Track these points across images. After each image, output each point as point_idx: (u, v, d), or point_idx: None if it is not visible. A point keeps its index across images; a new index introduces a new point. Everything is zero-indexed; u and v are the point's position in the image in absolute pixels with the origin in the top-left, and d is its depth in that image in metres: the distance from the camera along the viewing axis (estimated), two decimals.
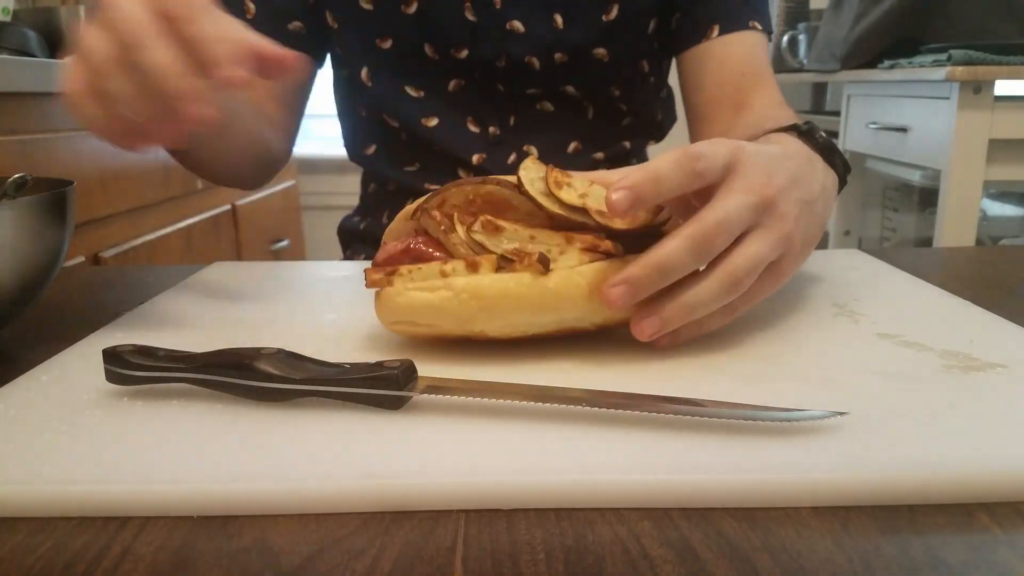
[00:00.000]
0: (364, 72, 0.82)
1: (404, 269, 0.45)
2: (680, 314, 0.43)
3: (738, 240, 0.44)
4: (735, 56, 0.79)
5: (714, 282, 0.43)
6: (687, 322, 0.44)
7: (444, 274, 0.44)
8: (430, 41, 0.78)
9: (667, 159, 0.42)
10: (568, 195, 0.45)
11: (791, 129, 0.55)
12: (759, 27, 0.80)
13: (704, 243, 0.42)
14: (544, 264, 0.43)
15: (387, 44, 0.79)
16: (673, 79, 0.92)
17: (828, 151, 0.55)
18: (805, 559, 0.28)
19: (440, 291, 0.43)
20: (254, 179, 0.85)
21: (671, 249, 0.42)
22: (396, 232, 0.49)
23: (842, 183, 0.57)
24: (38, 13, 1.74)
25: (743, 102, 0.78)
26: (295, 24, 0.81)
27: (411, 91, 0.81)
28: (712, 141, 0.45)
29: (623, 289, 0.42)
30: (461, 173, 0.83)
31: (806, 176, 0.50)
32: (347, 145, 0.93)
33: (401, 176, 0.85)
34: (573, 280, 0.43)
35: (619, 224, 0.45)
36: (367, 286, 0.46)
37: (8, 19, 1.66)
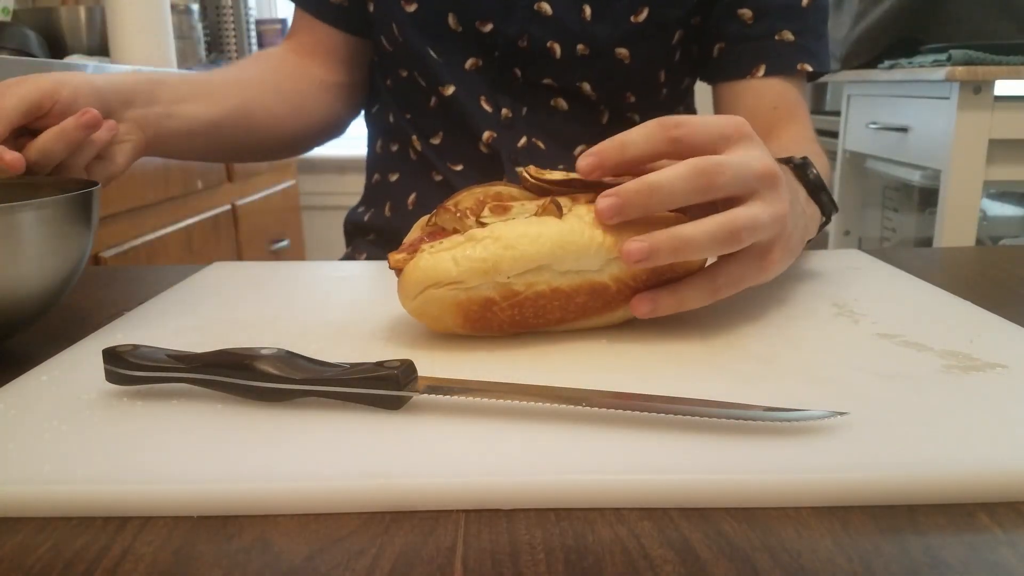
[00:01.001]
0: (395, 27, 0.82)
1: (426, 244, 0.46)
2: (669, 244, 0.43)
3: (739, 202, 0.44)
4: (771, 93, 0.79)
5: (710, 224, 0.43)
6: (675, 257, 0.43)
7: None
8: (455, 11, 0.79)
9: (640, 127, 0.44)
10: (555, 175, 0.48)
11: (785, 162, 0.57)
12: (808, 68, 0.78)
13: (703, 174, 0.42)
14: (557, 207, 0.45)
15: (412, 7, 0.80)
16: (699, 100, 0.91)
17: (816, 188, 0.57)
18: (805, 559, 0.28)
19: (462, 244, 0.44)
20: (295, 149, 0.94)
21: (668, 171, 0.43)
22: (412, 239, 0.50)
23: (826, 221, 0.59)
24: (38, 13, 1.74)
25: (771, 133, 0.77)
26: None
27: (433, 53, 0.81)
28: (706, 117, 0.46)
29: (612, 200, 0.43)
30: (478, 149, 0.83)
31: (793, 190, 0.51)
32: (384, 113, 0.92)
33: (427, 150, 0.85)
34: (585, 220, 0.45)
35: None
36: (391, 266, 0.47)
37: (8, 19, 1.66)
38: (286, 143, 0.89)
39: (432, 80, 0.82)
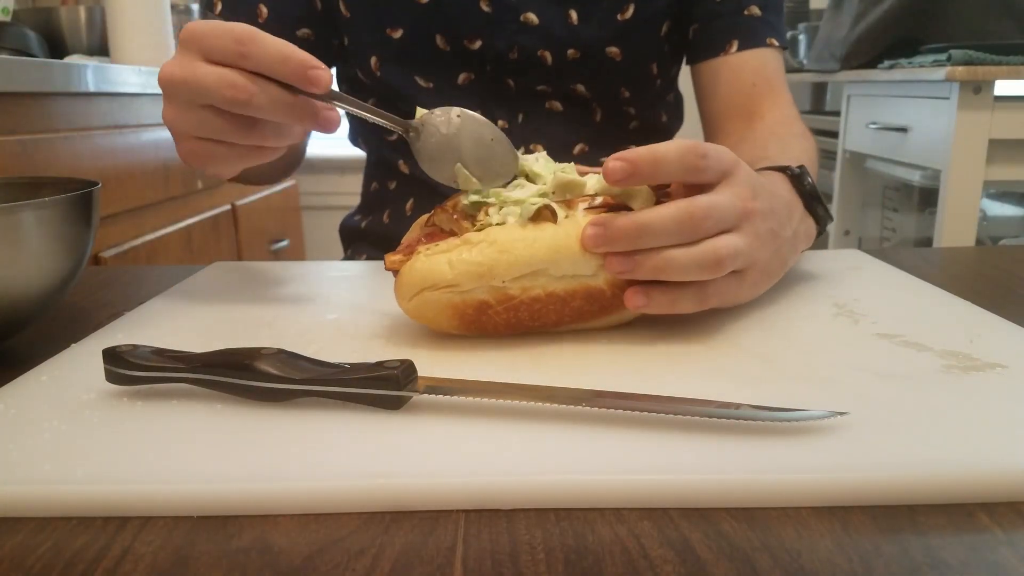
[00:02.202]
0: (374, 61, 0.82)
1: (422, 246, 0.46)
2: (651, 263, 0.44)
3: (720, 235, 0.46)
4: (748, 68, 0.80)
5: (693, 250, 0.45)
6: (656, 275, 0.45)
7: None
8: (442, 32, 0.78)
9: (673, 146, 0.44)
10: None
11: (783, 170, 0.58)
12: (776, 44, 0.81)
13: (691, 219, 0.44)
14: (551, 212, 0.45)
15: (398, 34, 0.79)
16: (682, 83, 0.92)
17: (811, 199, 0.58)
18: (805, 559, 0.28)
19: (458, 247, 0.45)
20: (282, 176, 0.93)
21: (658, 213, 0.44)
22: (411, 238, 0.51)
23: (821, 230, 0.60)
24: (38, 13, 1.74)
25: (755, 112, 0.79)
26: (304, 31, 0.82)
27: (420, 81, 0.81)
28: (719, 147, 0.47)
29: (599, 230, 0.44)
30: None
31: (781, 215, 0.52)
32: (359, 137, 0.92)
33: (414, 167, 0.85)
34: (581, 225, 0.45)
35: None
36: (387, 267, 0.47)
37: (8, 19, 1.65)
38: (265, 179, 0.88)
39: (414, 110, 0.81)
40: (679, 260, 0.44)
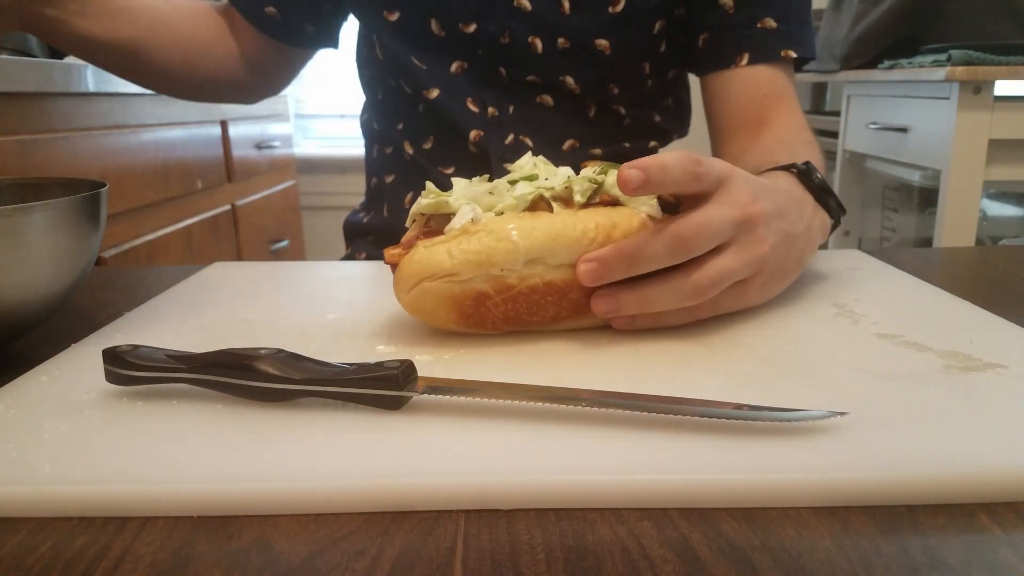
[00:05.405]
0: (376, 41, 0.84)
1: (421, 241, 0.47)
2: (635, 303, 0.46)
3: (712, 252, 0.46)
4: (759, 80, 0.79)
5: (677, 285, 0.45)
6: (642, 311, 0.46)
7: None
8: (436, 16, 0.79)
9: (674, 155, 0.45)
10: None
11: (788, 168, 0.58)
12: (792, 55, 0.79)
13: (681, 243, 0.45)
14: (548, 204, 0.47)
15: (394, 16, 0.81)
16: (695, 97, 0.92)
17: (821, 192, 0.58)
18: (805, 559, 0.28)
19: (457, 238, 0.45)
20: (184, 95, 0.96)
21: (648, 242, 0.45)
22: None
23: (835, 224, 0.60)
24: None
25: (764, 121, 0.78)
26: (270, 9, 0.87)
27: (417, 62, 0.82)
28: (710, 157, 0.48)
29: (593, 266, 0.45)
30: (468, 150, 0.84)
31: (791, 211, 0.52)
32: (371, 121, 0.94)
33: (418, 155, 0.86)
34: (578, 215, 0.46)
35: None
36: (386, 261, 0.48)
37: None
38: (173, 89, 0.93)
39: (417, 86, 0.83)
40: (662, 296, 0.45)
